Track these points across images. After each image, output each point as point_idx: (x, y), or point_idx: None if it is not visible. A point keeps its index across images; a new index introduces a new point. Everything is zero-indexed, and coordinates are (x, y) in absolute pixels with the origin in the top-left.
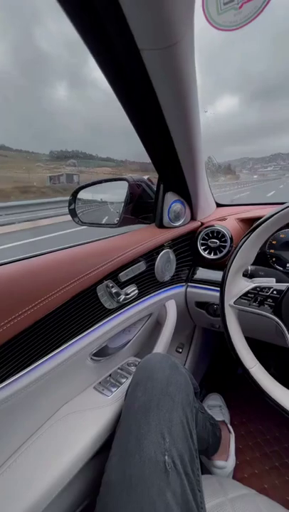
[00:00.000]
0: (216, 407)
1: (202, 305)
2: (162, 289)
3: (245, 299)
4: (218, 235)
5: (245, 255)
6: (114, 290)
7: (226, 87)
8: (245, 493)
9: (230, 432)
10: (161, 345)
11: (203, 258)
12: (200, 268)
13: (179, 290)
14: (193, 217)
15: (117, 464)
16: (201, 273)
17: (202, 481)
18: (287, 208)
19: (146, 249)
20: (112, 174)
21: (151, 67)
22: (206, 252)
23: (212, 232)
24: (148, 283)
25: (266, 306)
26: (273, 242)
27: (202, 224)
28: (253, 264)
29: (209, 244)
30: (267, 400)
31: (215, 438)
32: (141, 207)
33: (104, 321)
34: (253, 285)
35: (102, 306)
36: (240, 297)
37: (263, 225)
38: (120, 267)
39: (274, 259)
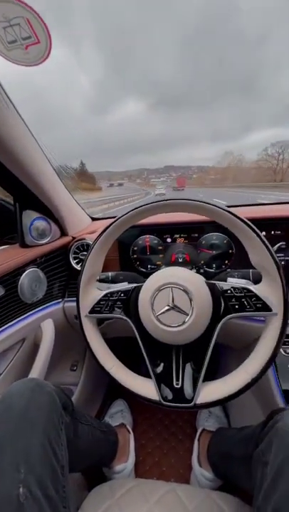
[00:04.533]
0: (118, 413)
1: None
2: (34, 310)
3: (98, 307)
4: (88, 247)
5: (92, 267)
6: None
7: (131, 91)
8: (133, 485)
9: (129, 432)
10: (37, 369)
11: (77, 271)
12: (75, 281)
13: (55, 307)
14: (64, 233)
15: None
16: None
17: (95, 491)
18: (114, 222)
19: (4, 271)
20: None
21: None
22: (78, 265)
23: (82, 245)
24: (11, 307)
25: (116, 308)
26: (135, 249)
27: (74, 238)
28: (121, 269)
29: (80, 257)
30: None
31: (109, 444)
32: (5, 227)
33: None
34: (104, 292)
35: None
36: (93, 307)
37: (98, 241)
38: None
39: (138, 262)
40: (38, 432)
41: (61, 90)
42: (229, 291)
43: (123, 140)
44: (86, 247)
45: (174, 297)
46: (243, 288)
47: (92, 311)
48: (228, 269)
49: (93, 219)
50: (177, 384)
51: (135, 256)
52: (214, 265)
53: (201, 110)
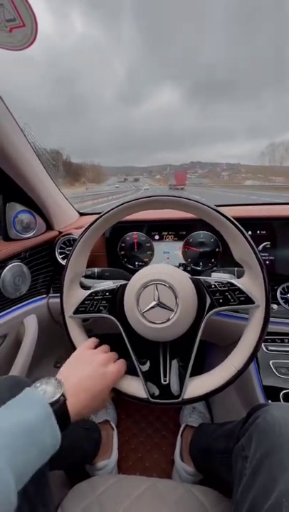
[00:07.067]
0: (102, 409)
1: None
2: (16, 306)
3: (83, 307)
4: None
5: (75, 267)
6: None
7: (168, 76)
8: (113, 481)
9: (112, 428)
10: (18, 366)
11: (63, 267)
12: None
13: (40, 303)
14: (50, 227)
15: None
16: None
17: (75, 489)
18: (97, 220)
19: None
20: None
21: None
22: (64, 261)
23: (69, 240)
24: None
25: (101, 308)
26: (123, 245)
27: (60, 233)
28: (108, 266)
29: (67, 252)
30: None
31: (91, 441)
32: None
33: None
34: (89, 292)
35: None
36: (78, 307)
37: (81, 239)
38: None
39: (125, 259)
40: None
41: (93, 76)
42: (213, 286)
43: (152, 134)
44: (72, 242)
45: (159, 294)
46: (227, 282)
47: (77, 311)
48: (215, 268)
49: (81, 214)
50: (165, 380)
51: (123, 252)
52: (201, 263)
53: (241, 102)
